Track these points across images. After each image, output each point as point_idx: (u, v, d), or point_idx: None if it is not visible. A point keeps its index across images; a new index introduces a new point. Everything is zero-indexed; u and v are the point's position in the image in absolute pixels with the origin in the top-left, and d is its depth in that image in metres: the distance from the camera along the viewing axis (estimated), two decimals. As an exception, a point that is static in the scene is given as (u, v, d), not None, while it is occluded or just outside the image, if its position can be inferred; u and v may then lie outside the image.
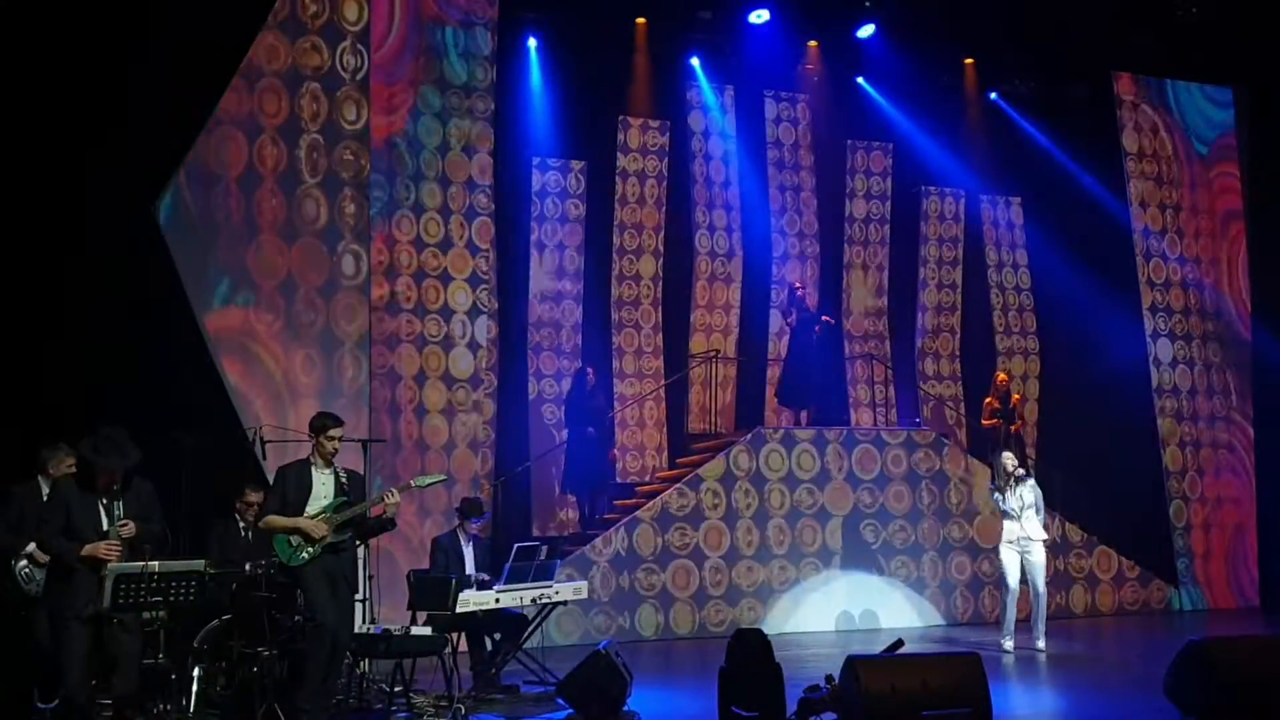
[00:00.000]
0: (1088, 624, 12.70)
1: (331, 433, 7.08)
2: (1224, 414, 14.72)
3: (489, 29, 11.98)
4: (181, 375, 9.67)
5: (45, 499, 7.00)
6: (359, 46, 10.98)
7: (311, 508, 6.94)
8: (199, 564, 6.67)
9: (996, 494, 10.36)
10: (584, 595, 9.58)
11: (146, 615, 6.75)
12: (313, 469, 7.05)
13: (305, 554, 6.79)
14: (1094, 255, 14.65)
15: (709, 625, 11.74)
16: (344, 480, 7.11)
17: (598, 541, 11.48)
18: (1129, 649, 11.08)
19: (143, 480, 6.77)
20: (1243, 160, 15.18)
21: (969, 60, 15.10)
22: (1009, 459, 10.43)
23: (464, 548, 8.69)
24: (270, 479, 7.91)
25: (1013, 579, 10.24)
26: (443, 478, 8.20)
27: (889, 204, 15.42)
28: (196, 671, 7.32)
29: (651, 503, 11.81)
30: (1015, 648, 10.16)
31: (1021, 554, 10.23)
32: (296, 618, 7.19)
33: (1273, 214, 14.64)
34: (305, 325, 10.51)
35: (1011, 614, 10.26)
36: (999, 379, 13.82)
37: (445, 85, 11.70)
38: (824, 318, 13.67)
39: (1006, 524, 10.33)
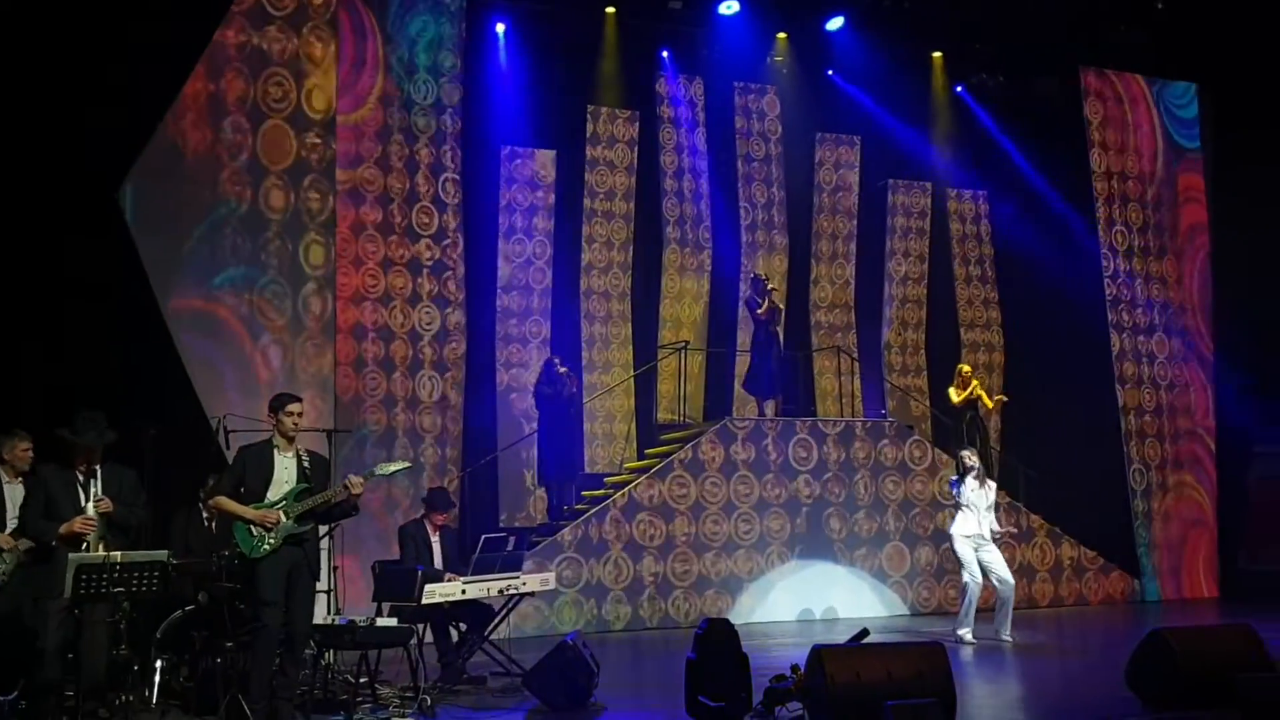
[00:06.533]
0: (1050, 614, 12.82)
1: (290, 408, 6.99)
2: (1185, 407, 14.86)
3: (457, 14, 11.89)
4: (145, 364, 9.58)
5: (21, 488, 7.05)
6: (324, 31, 10.88)
7: (273, 493, 6.86)
8: (162, 554, 6.61)
9: (958, 486, 10.39)
10: (551, 586, 9.55)
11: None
12: (275, 451, 6.95)
13: (267, 545, 6.71)
14: (1059, 249, 14.78)
15: (676, 616, 11.76)
16: (306, 465, 7.00)
17: (565, 532, 11.47)
18: (1091, 639, 11.18)
19: (125, 468, 6.89)
20: (1207, 156, 15.32)
21: (937, 54, 15.16)
22: (968, 455, 10.50)
23: (431, 537, 8.66)
24: (234, 468, 7.82)
25: (976, 572, 10.30)
26: (407, 465, 8.07)
27: (856, 196, 15.48)
28: (159, 663, 7.27)
29: (620, 493, 11.82)
30: (976, 638, 10.22)
31: (975, 550, 10.31)
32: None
33: (1235, 213, 14.75)
34: (270, 314, 10.43)
35: (973, 606, 10.32)
36: (962, 370, 13.93)
37: (412, 71, 11.60)
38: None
39: (961, 517, 10.38)
